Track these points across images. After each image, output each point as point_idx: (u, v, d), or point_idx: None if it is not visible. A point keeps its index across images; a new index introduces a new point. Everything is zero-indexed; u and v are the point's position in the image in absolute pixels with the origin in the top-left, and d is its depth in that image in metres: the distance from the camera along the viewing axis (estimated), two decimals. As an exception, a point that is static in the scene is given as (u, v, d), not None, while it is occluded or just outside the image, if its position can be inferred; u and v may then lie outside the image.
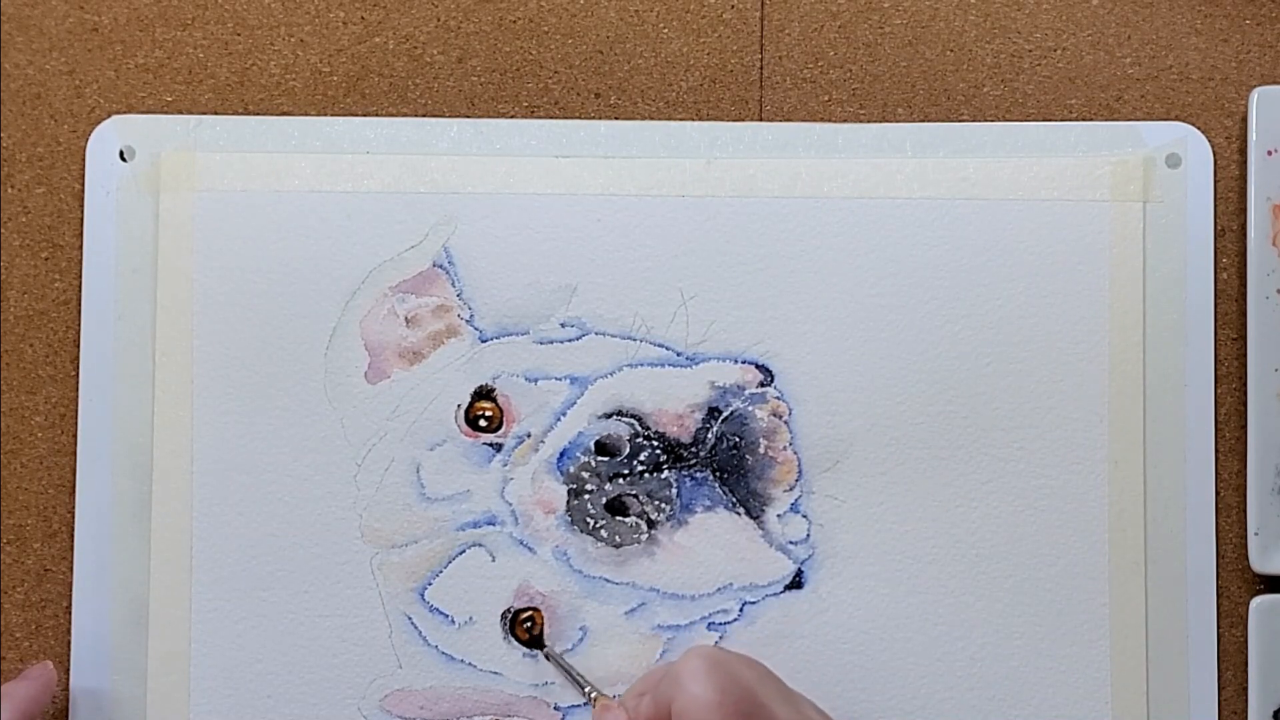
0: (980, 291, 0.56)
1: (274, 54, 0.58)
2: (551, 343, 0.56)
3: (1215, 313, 0.56)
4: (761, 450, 0.56)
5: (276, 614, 0.56)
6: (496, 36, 0.58)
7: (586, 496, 0.56)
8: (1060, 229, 0.56)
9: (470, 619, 0.56)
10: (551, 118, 0.57)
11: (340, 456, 0.56)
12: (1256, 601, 0.54)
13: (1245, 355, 0.55)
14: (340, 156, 0.57)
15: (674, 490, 0.56)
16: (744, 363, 0.56)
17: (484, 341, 0.56)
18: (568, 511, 0.56)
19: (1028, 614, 0.55)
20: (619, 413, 0.56)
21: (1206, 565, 0.55)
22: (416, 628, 0.56)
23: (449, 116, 0.57)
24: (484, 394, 0.56)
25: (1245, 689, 0.55)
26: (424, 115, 0.57)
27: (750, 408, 0.56)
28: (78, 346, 0.57)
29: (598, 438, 0.56)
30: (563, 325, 0.56)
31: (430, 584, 0.56)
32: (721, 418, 0.56)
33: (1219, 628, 0.55)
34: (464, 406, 0.56)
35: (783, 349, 0.56)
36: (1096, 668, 0.55)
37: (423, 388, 0.56)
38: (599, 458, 0.56)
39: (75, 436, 0.57)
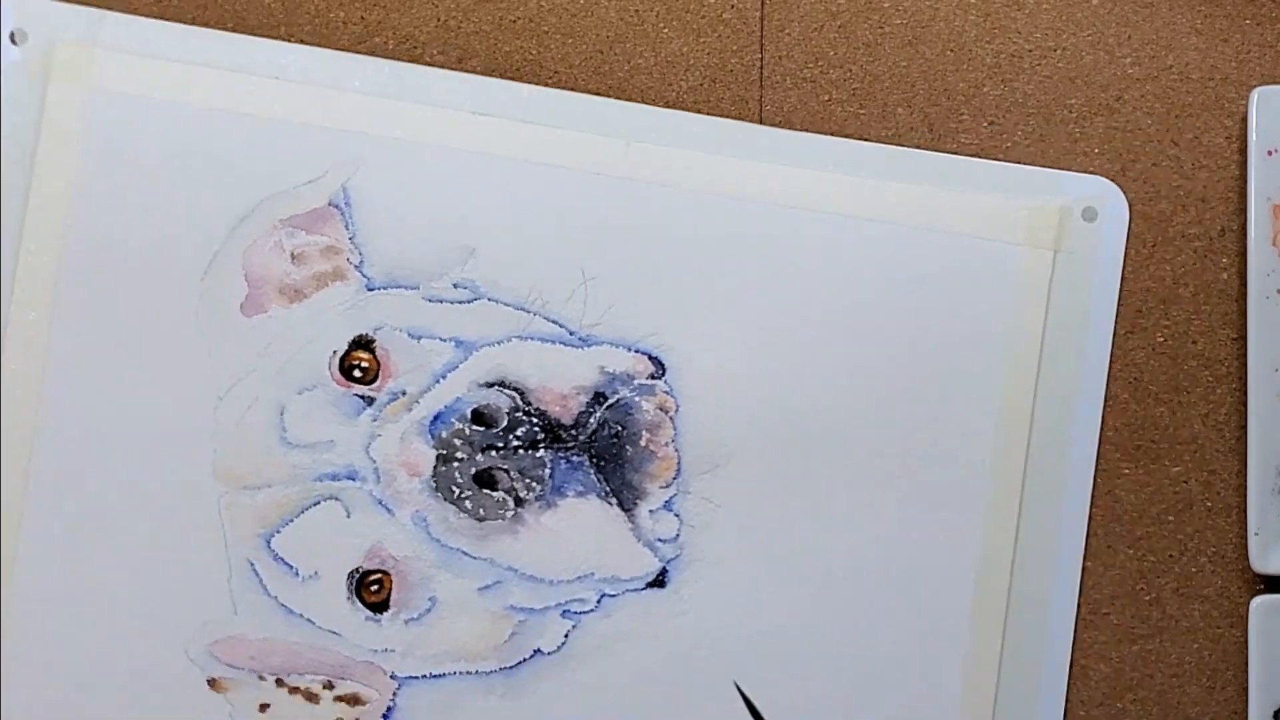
0: (882, 315, 0.55)
1: (275, 56, 0.56)
2: (441, 302, 0.54)
3: (1215, 313, 0.56)
4: (643, 443, 0.54)
5: (110, 536, 0.53)
6: (496, 36, 0.56)
7: (455, 464, 0.54)
8: (970, 265, 0.55)
9: (315, 574, 0.54)
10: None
11: (202, 387, 0.53)
12: (1256, 601, 0.54)
13: (1245, 355, 0.55)
14: (249, 77, 0.54)
15: (547, 470, 0.54)
16: (637, 351, 0.55)
17: (370, 290, 0.54)
18: (434, 477, 0.54)
19: (886, 643, 0.55)
20: (501, 384, 0.54)
21: (1064, 626, 0.55)
22: (258, 575, 0.54)
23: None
24: (362, 343, 0.54)
25: (1245, 689, 0.55)
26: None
27: (637, 398, 0.54)
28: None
29: (476, 406, 0.54)
30: (455, 285, 0.54)
31: (278, 532, 0.54)
32: (606, 404, 0.54)
33: (1219, 628, 0.56)
34: (340, 354, 0.54)
35: (678, 343, 0.55)
36: (947, 705, 0.54)
37: (300, 328, 0.54)
38: (474, 427, 0.54)
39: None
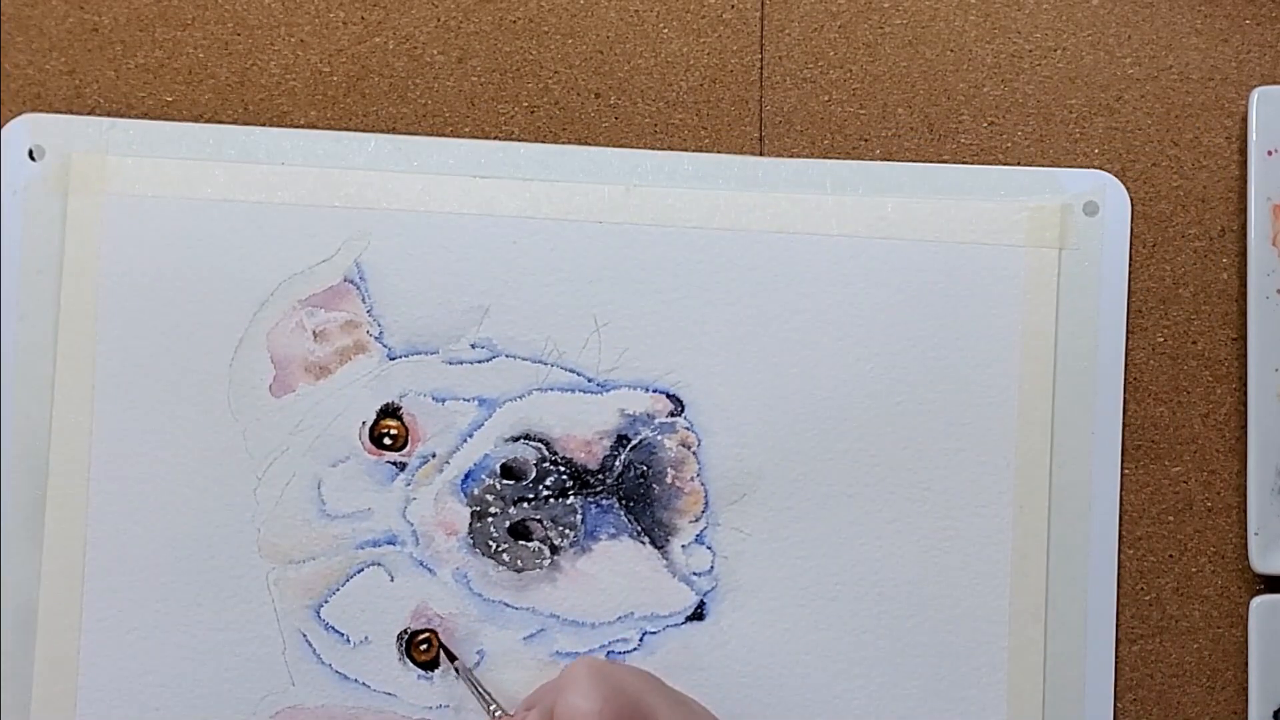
0: (893, 331, 0.56)
1: (274, 54, 0.57)
2: (461, 363, 0.56)
3: (1215, 313, 0.56)
4: (669, 480, 0.56)
5: (169, 625, 0.55)
6: (496, 36, 0.57)
7: (490, 519, 0.55)
8: (975, 272, 0.56)
9: (366, 639, 0.55)
10: (551, 117, 0.57)
11: (241, 469, 0.55)
12: (1256, 601, 0.54)
13: (1245, 355, 0.55)
14: (255, 166, 0.56)
15: (579, 516, 0.55)
16: (655, 391, 0.56)
17: (392, 359, 0.56)
18: (470, 534, 0.55)
19: (927, 654, 0.55)
20: (526, 436, 0.56)
21: (1106, 612, 0.55)
22: (311, 645, 0.55)
23: (421, 132, 0.57)
24: (390, 412, 0.56)
25: (1245, 689, 0.55)
26: (422, 117, 0.57)
27: (659, 437, 0.56)
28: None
29: (504, 461, 0.56)
30: (473, 346, 0.56)
31: (326, 602, 0.55)
32: (630, 446, 0.56)
33: (1219, 627, 0.56)
34: (369, 424, 0.56)
35: (694, 379, 0.56)
36: (993, 711, 0.55)
37: (328, 403, 0.56)
38: (504, 481, 0.55)
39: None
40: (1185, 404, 0.56)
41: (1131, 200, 0.56)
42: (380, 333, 0.56)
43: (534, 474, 0.55)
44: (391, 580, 0.55)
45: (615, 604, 0.56)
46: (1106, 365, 0.56)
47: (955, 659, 0.55)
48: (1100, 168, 0.57)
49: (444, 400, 0.56)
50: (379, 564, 0.56)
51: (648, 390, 0.56)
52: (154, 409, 0.55)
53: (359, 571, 0.55)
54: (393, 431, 0.56)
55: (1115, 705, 0.55)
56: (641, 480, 0.56)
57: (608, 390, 0.56)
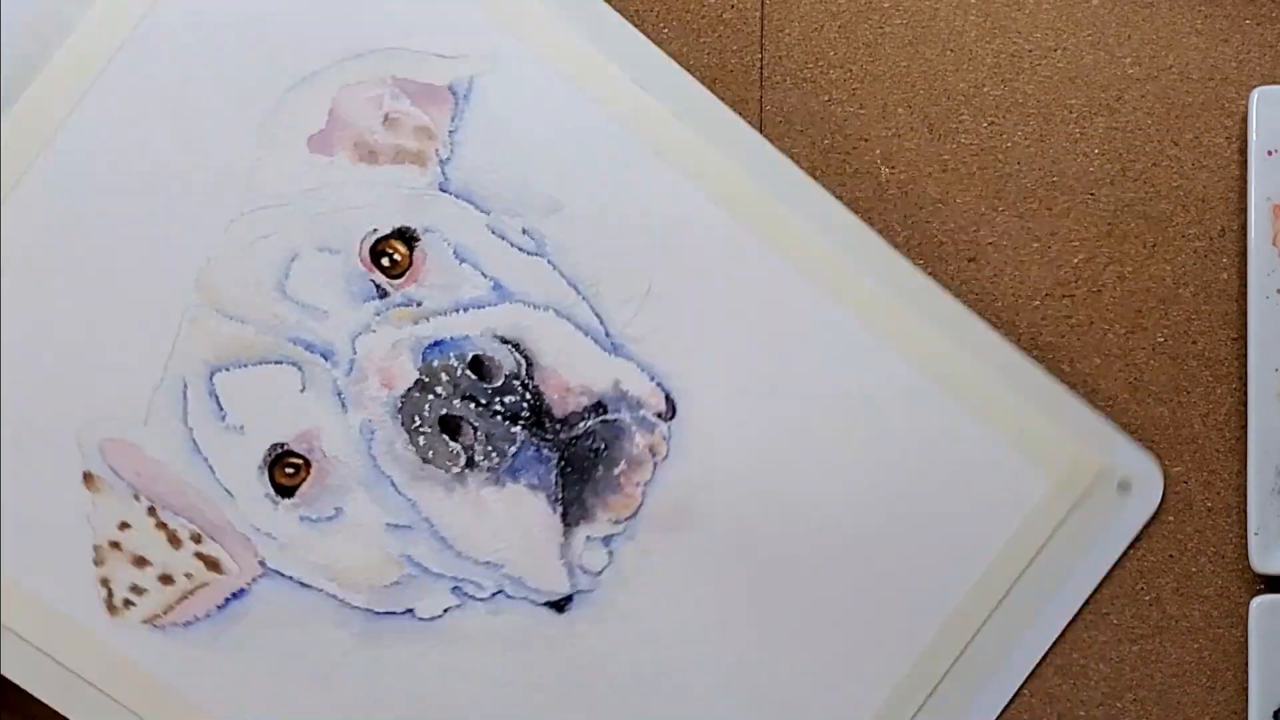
0: (892, 458, 0.53)
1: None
2: (503, 238, 0.51)
3: (1215, 313, 0.56)
4: (616, 471, 0.52)
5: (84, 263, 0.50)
6: None
7: (430, 398, 0.51)
8: (992, 463, 0.53)
9: (241, 427, 0.51)
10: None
11: (230, 194, 0.49)
12: (1256, 601, 0.54)
13: (1245, 355, 0.55)
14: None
15: (513, 448, 0.51)
16: (657, 384, 0.52)
17: (441, 190, 0.50)
18: (403, 397, 0.51)
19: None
20: (516, 345, 0.51)
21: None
22: (185, 399, 0.50)
23: None
24: (405, 235, 0.50)
25: (1245, 689, 0.54)
26: None
27: (634, 427, 0.52)
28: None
29: (480, 353, 0.51)
30: (524, 231, 0.51)
31: (227, 370, 0.50)
32: (601, 417, 0.52)
33: (1219, 628, 0.55)
34: (379, 235, 0.50)
35: (698, 395, 0.52)
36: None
37: (354, 190, 0.50)
38: (468, 371, 0.51)
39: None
40: (1185, 404, 0.56)
41: (1130, 202, 0.56)
42: (448, 158, 0.50)
43: (500, 382, 0.51)
44: (300, 391, 0.50)
45: (491, 548, 0.52)
46: (1052, 618, 0.55)
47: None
48: (1100, 169, 0.56)
49: (463, 261, 0.51)
50: (299, 367, 0.50)
51: (653, 379, 0.52)
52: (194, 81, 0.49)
53: (276, 362, 0.50)
54: (396, 256, 0.50)
55: (1115, 705, 0.55)
56: (592, 455, 0.51)
57: (617, 354, 0.51)
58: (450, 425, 0.51)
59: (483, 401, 0.51)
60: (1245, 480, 0.54)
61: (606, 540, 0.52)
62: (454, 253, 0.51)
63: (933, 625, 0.53)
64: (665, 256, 0.52)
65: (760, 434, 0.52)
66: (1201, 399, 0.56)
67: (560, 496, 0.52)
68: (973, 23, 0.56)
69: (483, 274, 0.51)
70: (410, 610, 0.52)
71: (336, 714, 0.52)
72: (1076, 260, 0.56)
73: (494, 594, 0.52)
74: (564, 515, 0.52)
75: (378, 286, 0.50)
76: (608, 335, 0.51)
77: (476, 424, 0.51)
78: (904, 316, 0.53)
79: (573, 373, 0.51)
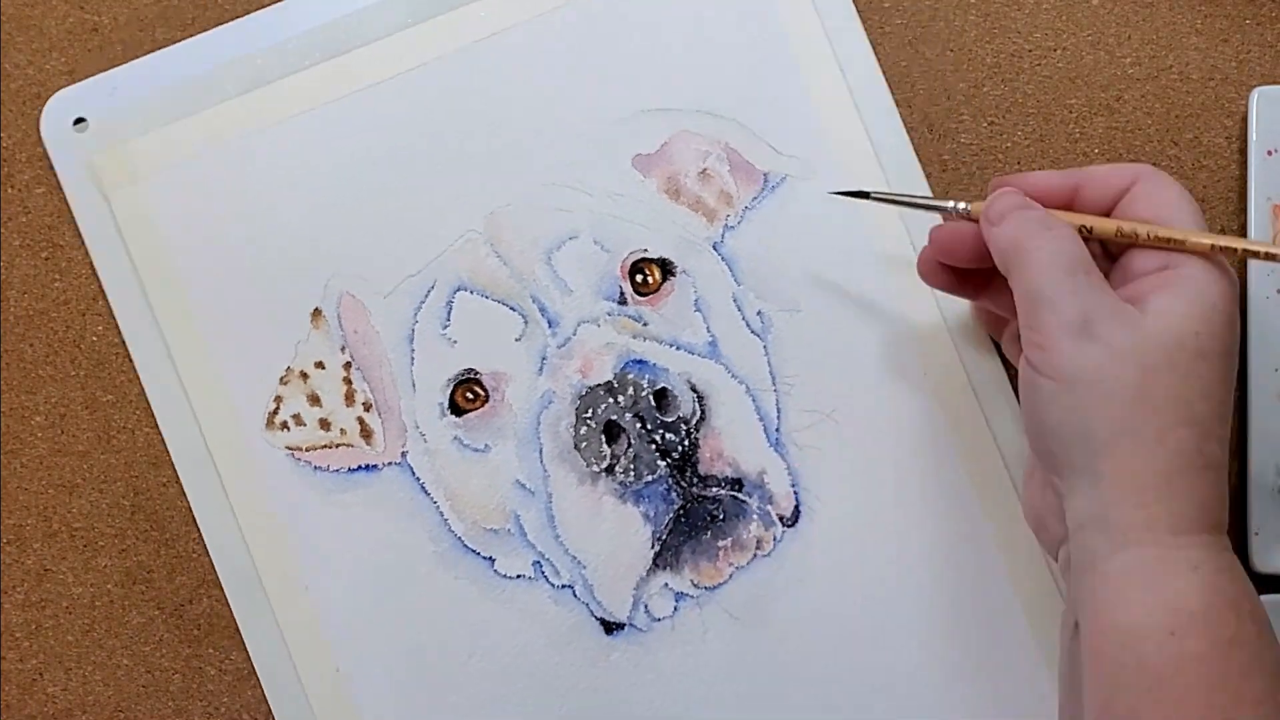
0: (955, 677, 0.55)
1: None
2: (739, 309, 0.57)
3: None
4: (719, 544, 0.56)
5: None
6: None
7: (609, 400, 0.55)
8: None
9: (454, 342, 0.57)
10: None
11: (554, 159, 0.57)
12: None
13: (1245, 355, 0.54)
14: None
15: (651, 476, 0.55)
16: (795, 491, 0.56)
17: (714, 248, 0.57)
18: (590, 388, 0.55)
19: None
20: (700, 397, 0.56)
21: None
22: (426, 297, 0.57)
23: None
24: (665, 266, 0.57)
25: None
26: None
27: (754, 515, 0.56)
28: (77, 346, 0.57)
29: (669, 386, 0.55)
30: (759, 313, 0.57)
31: (470, 292, 0.57)
32: (733, 491, 0.55)
33: None
34: (646, 254, 0.57)
35: (822, 520, 0.56)
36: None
37: (647, 210, 0.57)
38: (650, 395, 0.55)
39: (74, 436, 0.57)
40: (1185, 403, 0.55)
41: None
42: (733, 226, 0.57)
43: (671, 419, 0.55)
44: (516, 340, 0.56)
45: (584, 546, 0.56)
46: None
47: None
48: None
49: (698, 310, 0.57)
50: (525, 320, 0.56)
51: (793, 485, 0.56)
52: (580, 70, 0.58)
53: (510, 309, 0.56)
54: (649, 278, 0.57)
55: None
56: (708, 519, 0.55)
57: (775, 450, 0.56)
58: (612, 431, 0.55)
59: (649, 426, 0.55)
60: (1245, 480, 0.54)
61: (679, 596, 0.55)
62: (695, 300, 0.57)
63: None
64: (859, 394, 0.56)
65: (856, 585, 0.55)
66: (1201, 398, 0.55)
67: (664, 539, 0.55)
68: (973, 23, 0.57)
69: (708, 328, 0.57)
70: (491, 559, 0.56)
71: (397, 617, 0.56)
72: (1076, 259, 0.55)
73: (564, 585, 0.56)
74: (657, 555, 0.55)
75: (622, 294, 0.57)
76: (777, 430, 0.56)
77: (633, 441, 0.55)
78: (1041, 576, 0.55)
79: (732, 444, 0.56)
